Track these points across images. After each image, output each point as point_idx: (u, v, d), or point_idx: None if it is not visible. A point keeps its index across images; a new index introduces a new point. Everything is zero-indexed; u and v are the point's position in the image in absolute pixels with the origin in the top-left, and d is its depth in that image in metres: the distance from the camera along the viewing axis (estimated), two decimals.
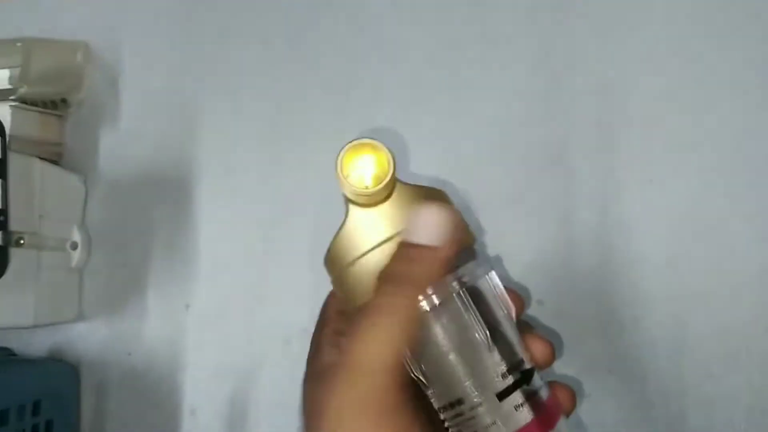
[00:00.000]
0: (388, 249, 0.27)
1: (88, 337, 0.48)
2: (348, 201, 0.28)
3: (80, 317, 0.48)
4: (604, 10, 0.47)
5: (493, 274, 0.29)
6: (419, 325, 0.26)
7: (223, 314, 0.47)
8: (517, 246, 0.46)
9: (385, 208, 0.28)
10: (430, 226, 0.26)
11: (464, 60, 0.47)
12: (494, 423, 0.26)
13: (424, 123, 0.47)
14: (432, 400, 0.27)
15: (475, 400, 0.26)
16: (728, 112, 0.45)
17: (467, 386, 0.26)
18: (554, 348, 0.30)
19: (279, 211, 0.47)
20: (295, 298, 0.45)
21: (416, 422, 0.25)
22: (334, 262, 0.28)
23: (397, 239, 0.27)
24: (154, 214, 0.48)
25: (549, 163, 0.46)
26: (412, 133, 0.46)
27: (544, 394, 0.28)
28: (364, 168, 0.28)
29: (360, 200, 0.27)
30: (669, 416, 0.44)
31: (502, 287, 0.29)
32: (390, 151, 0.27)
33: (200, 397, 0.47)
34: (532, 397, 0.27)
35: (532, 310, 0.45)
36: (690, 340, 0.44)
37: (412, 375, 0.27)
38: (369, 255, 0.27)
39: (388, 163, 0.27)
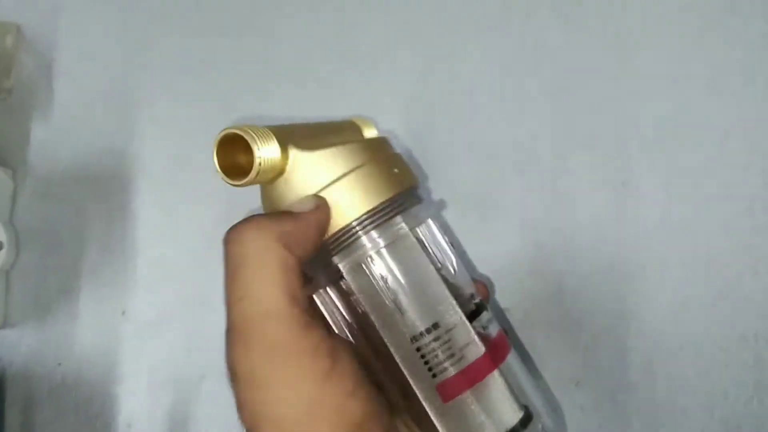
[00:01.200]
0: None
1: (13, 345, 0.43)
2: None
3: (5, 323, 0.43)
4: (574, 5, 0.44)
5: (430, 222, 0.30)
6: (286, 261, 0.24)
7: (162, 321, 0.43)
8: (482, 250, 0.43)
9: (281, 184, 0.28)
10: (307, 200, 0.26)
11: (434, 53, 0.45)
12: (471, 342, 0.27)
13: (387, 120, 0.45)
14: (402, 331, 0.27)
15: (451, 320, 0.27)
16: (706, 112, 0.43)
17: (441, 310, 0.28)
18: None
19: (224, 210, 0.44)
20: None
21: (336, 355, 0.24)
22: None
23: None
24: (88, 212, 0.44)
25: (517, 163, 0.44)
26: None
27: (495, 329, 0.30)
28: (238, 156, 0.27)
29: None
30: (641, 430, 0.42)
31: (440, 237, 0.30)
32: (256, 134, 0.26)
33: (137, 411, 0.42)
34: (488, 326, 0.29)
35: (498, 318, 0.43)
36: (663, 350, 0.42)
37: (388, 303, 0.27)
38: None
39: (254, 149, 0.26)
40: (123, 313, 0.43)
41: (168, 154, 0.44)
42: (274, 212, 0.28)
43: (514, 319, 0.42)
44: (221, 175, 0.28)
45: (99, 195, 0.44)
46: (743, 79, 0.43)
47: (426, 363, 0.27)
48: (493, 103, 0.44)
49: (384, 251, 0.27)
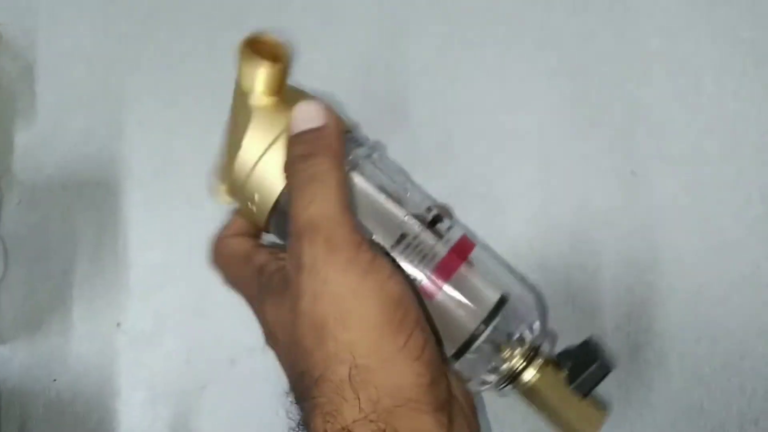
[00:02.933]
0: (282, 144, 0.31)
1: (6, 361, 0.41)
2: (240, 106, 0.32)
3: None
4: None
5: (376, 158, 0.33)
6: (347, 183, 0.30)
7: (158, 332, 0.41)
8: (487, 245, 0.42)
9: (274, 109, 0.32)
10: (311, 113, 0.31)
11: (432, 41, 0.43)
12: (435, 243, 0.31)
13: (382, 118, 0.43)
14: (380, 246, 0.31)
15: (415, 228, 0.31)
16: (716, 95, 0.42)
17: (400, 223, 0.32)
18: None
19: (219, 216, 0.42)
20: (240, 313, 0.39)
21: (375, 251, 0.29)
22: (235, 172, 0.32)
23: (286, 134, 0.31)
24: (77, 220, 0.42)
25: (521, 154, 0.42)
26: (370, 129, 0.41)
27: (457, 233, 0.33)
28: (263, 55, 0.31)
29: (260, 87, 0.31)
30: (657, 425, 0.41)
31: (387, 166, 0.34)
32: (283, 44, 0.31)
33: (135, 426, 0.41)
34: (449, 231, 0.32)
35: None
36: (678, 345, 0.41)
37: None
38: (267, 156, 0.31)
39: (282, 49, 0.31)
40: (118, 324, 0.41)
41: (157, 156, 0.42)
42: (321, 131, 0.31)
43: None
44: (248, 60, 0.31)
45: (87, 202, 0.42)
46: (754, 60, 0.42)
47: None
48: (494, 92, 0.42)
49: None
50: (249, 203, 0.33)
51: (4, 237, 0.42)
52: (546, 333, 0.35)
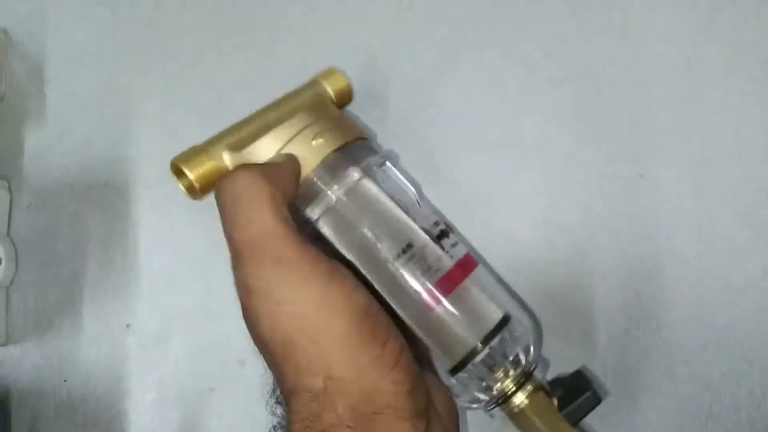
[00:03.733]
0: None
1: (17, 363, 0.42)
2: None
3: (8, 341, 0.42)
4: None
5: (389, 167, 0.34)
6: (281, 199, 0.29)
7: (168, 333, 0.41)
8: (492, 251, 0.42)
9: None
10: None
11: (433, 45, 0.43)
12: (441, 256, 0.31)
13: (386, 114, 0.43)
14: (385, 256, 0.31)
15: (423, 240, 0.32)
16: (721, 98, 0.41)
17: (409, 234, 0.32)
18: None
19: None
20: None
21: (334, 262, 0.28)
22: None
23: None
24: (87, 222, 0.42)
25: (525, 158, 0.42)
26: (376, 128, 0.41)
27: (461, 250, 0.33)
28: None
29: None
30: (665, 431, 0.41)
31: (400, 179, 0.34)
32: (186, 161, 0.33)
33: (145, 426, 0.41)
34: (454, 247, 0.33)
35: None
36: (685, 349, 0.41)
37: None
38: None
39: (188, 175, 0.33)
40: (127, 326, 0.42)
41: (165, 157, 0.43)
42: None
43: None
44: (186, 194, 0.34)
45: (96, 204, 0.42)
46: (759, 62, 0.41)
47: None
48: (496, 98, 0.42)
49: (344, 198, 0.31)
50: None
51: (15, 239, 0.42)
52: (540, 358, 0.34)
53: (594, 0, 0.42)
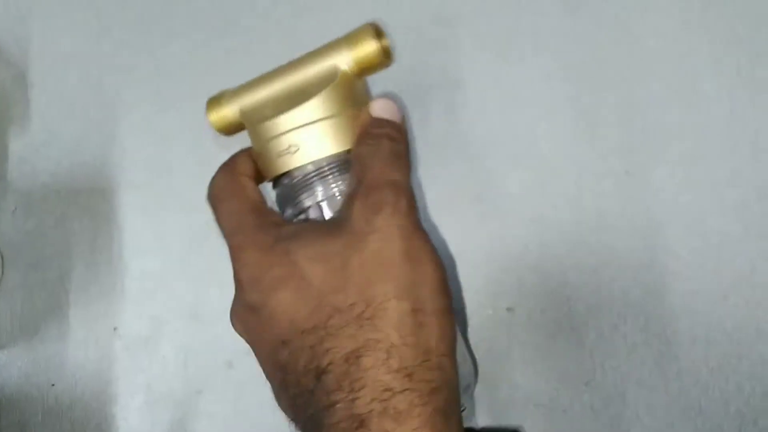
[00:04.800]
0: (347, 119, 0.33)
1: (4, 367, 0.41)
2: (328, 65, 0.35)
3: None
4: None
5: None
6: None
7: (155, 337, 0.41)
8: (482, 249, 0.41)
9: (356, 87, 0.35)
10: (392, 108, 0.34)
11: (423, 41, 0.43)
12: None
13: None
14: None
15: None
16: (711, 93, 0.41)
17: None
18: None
19: (212, 217, 0.43)
20: None
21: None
22: (287, 118, 0.33)
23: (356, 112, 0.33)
24: (73, 226, 0.42)
25: (515, 156, 0.42)
26: None
27: None
28: None
29: (361, 64, 0.34)
30: (653, 428, 0.41)
31: None
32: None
33: (133, 429, 0.41)
34: None
35: (502, 319, 0.42)
36: (675, 345, 0.41)
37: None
38: (333, 120, 0.33)
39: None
40: (114, 329, 0.42)
41: (151, 162, 0.42)
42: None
43: (518, 318, 0.41)
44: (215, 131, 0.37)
45: (82, 208, 0.42)
46: (748, 56, 0.41)
47: None
48: (487, 95, 0.42)
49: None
50: (279, 150, 0.33)
51: (1, 244, 0.42)
52: (470, 399, 0.35)
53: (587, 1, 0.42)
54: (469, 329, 0.41)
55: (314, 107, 0.33)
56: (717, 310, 0.40)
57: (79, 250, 0.42)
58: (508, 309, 0.41)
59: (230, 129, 0.36)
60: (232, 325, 0.32)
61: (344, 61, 0.34)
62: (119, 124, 0.43)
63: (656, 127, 0.41)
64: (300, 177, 0.33)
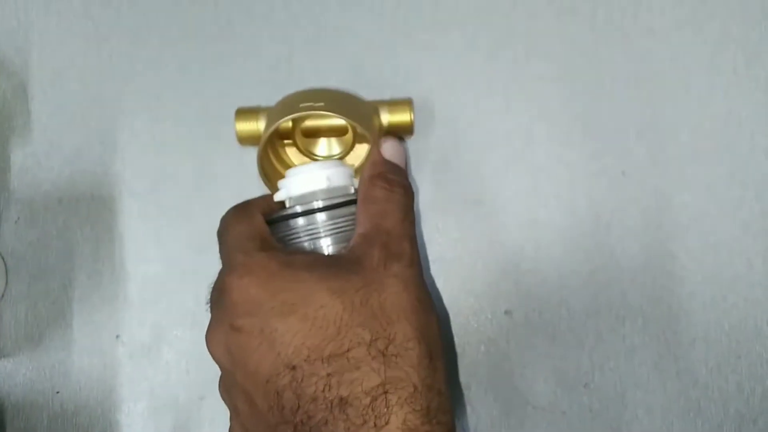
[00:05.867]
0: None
1: (10, 376, 0.42)
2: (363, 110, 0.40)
3: (0, 354, 0.42)
4: None
5: None
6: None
7: (158, 343, 0.41)
8: (479, 252, 0.41)
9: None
10: (398, 151, 0.37)
11: (416, 45, 0.43)
12: None
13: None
14: None
15: None
16: (706, 93, 0.41)
17: None
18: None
19: (214, 225, 0.42)
20: None
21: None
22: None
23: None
24: (75, 235, 0.42)
25: (510, 158, 0.42)
26: None
27: None
28: None
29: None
30: (653, 428, 0.41)
31: None
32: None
33: None
34: None
35: (500, 322, 0.42)
36: (672, 346, 0.41)
37: None
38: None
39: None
40: (117, 336, 0.42)
41: (151, 170, 0.43)
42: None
43: (516, 321, 0.41)
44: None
45: (85, 217, 0.42)
46: (744, 57, 0.41)
47: None
48: (482, 97, 0.42)
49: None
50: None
51: (4, 254, 0.43)
52: None
53: (579, 3, 0.42)
54: (468, 332, 0.41)
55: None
56: (715, 311, 0.40)
57: (82, 259, 0.42)
58: (506, 312, 0.41)
59: (246, 142, 0.40)
60: (208, 346, 0.32)
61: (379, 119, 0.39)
62: (120, 133, 0.43)
63: (651, 128, 0.41)
64: (304, 209, 0.34)
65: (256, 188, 0.40)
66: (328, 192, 0.35)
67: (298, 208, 0.34)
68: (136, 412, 0.42)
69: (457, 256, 0.41)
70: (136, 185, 0.43)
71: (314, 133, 0.41)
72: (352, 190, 0.36)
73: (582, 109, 0.41)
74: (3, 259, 0.43)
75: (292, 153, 0.41)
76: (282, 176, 0.41)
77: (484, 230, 0.41)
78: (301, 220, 0.34)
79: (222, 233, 0.34)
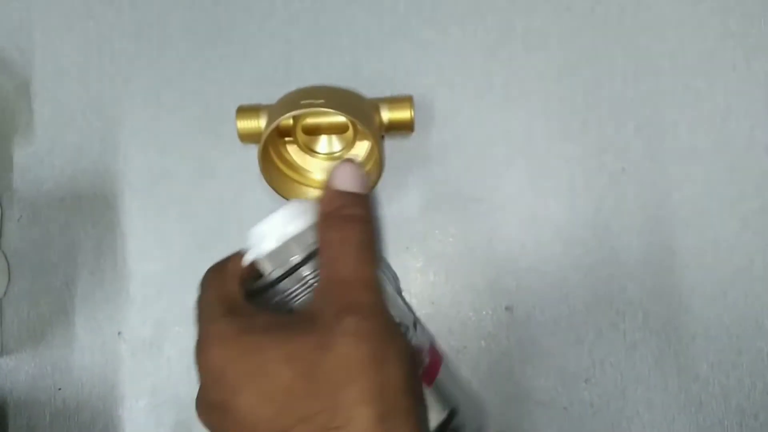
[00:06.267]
0: None
1: (12, 372, 0.42)
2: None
3: (3, 351, 0.42)
4: None
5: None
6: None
7: (159, 340, 0.42)
8: (480, 249, 0.42)
9: None
10: (355, 177, 0.32)
11: (414, 44, 0.44)
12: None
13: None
14: None
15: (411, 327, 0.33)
16: (705, 89, 0.41)
17: (411, 318, 0.33)
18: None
19: (215, 222, 0.43)
20: None
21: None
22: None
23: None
24: (77, 233, 0.42)
25: (510, 155, 0.42)
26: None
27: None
28: None
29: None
30: (654, 424, 0.41)
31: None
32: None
33: (139, 431, 0.43)
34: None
35: (501, 318, 0.42)
36: (673, 341, 0.41)
37: None
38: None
39: None
40: (119, 333, 0.42)
41: (152, 168, 0.43)
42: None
43: (517, 317, 0.41)
44: None
45: (87, 215, 0.42)
46: (743, 52, 0.41)
47: None
48: (481, 95, 0.42)
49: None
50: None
51: (7, 252, 0.43)
52: None
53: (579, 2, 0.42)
54: (468, 328, 0.41)
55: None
56: (716, 306, 0.40)
57: (84, 257, 0.43)
58: (507, 308, 0.41)
59: (247, 139, 0.40)
60: (197, 414, 0.31)
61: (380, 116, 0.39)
62: (121, 131, 0.43)
63: (649, 125, 0.41)
64: (284, 270, 0.31)
65: (258, 186, 0.41)
66: (300, 240, 0.31)
67: (278, 272, 0.31)
68: (138, 408, 0.42)
69: (457, 252, 0.41)
70: (138, 183, 0.43)
71: (315, 131, 0.41)
72: None
73: (581, 106, 0.42)
74: (5, 256, 0.43)
75: (293, 150, 0.42)
76: (284, 174, 0.41)
77: (483, 227, 0.41)
78: (286, 282, 0.31)
79: (197, 298, 0.33)
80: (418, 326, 0.33)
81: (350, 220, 0.31)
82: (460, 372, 0.40)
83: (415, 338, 0.32)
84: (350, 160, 0.32)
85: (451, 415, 0.32)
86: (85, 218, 0.43)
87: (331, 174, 0.32)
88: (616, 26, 0.42)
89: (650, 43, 0.41)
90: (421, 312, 0.41)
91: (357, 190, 0.31)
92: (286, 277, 0.31)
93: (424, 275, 0.42)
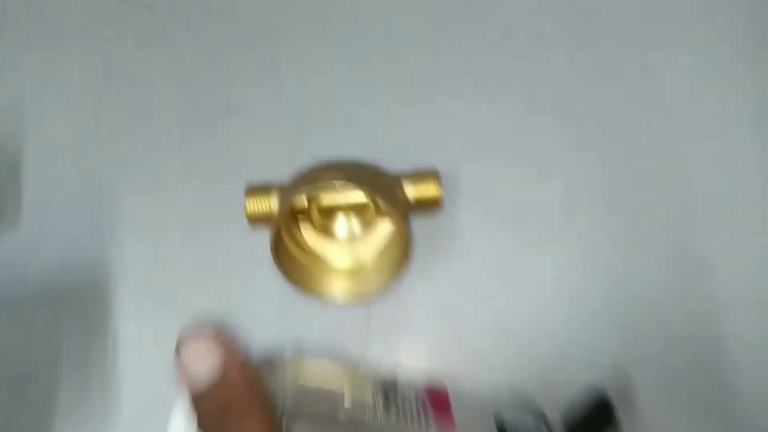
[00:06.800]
0: None
1: None
2: None
3: None
4: None
5: None
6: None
7: None
8: (516, 332, 0.36)
9: None
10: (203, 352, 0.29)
11: (439, 119, 0.39)
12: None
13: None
14: None
15: None
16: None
17: None
18: None
19: (221, 321, 0.37)
20: None
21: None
22: None
23: None
24: (63, 338, 0.37)
25: (545, 230, 0.37)
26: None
27: None
28: None
29: None
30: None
31: None
32: None
33: None
34: None
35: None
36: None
37: None
38: None
39: None
40: None
41: (150, 260, 0.38)
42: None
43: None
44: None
45: (75, 316, 0.36)
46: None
47: None
48: (513, 167, 0.38)
49: None
50: None
51: None
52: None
53: (602, 57, 0.38)
54: None
55: None
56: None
57: (70, 365, 0.36)
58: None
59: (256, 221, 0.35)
60: None
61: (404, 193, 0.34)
62: (116, 218, 0.38)
63: (700, 196, 0.36)
64: None
65: (268, 276, 0.35)
66: None
67: None
68: None
69: (493, 338, 0.36)
70: (133, 278, 0.38)
71: (332, 211, 0.36)
72: None
73: (619, 176, 0.37)
74: None
75: (307, 234, 0.36)
76: (298, 261, 0.36)
77: (520, 314, 0.35)
78: None
79: None
80: None
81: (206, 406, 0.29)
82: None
83: None
84: (197, 334, 0.30)
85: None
86: (73, 320, 0.38)
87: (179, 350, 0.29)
88: (648, 91, 0.38)
89: (687, 109, 0.37)
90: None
91: (209, 366, 0.29)
92: None
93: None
